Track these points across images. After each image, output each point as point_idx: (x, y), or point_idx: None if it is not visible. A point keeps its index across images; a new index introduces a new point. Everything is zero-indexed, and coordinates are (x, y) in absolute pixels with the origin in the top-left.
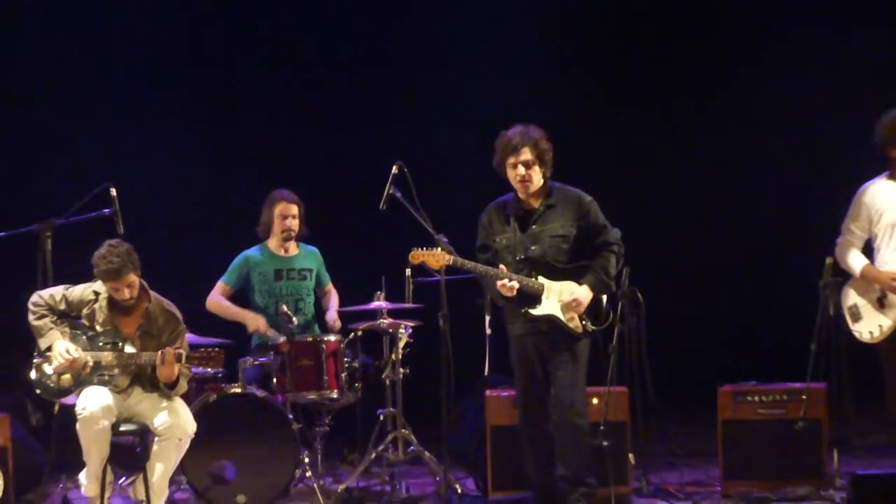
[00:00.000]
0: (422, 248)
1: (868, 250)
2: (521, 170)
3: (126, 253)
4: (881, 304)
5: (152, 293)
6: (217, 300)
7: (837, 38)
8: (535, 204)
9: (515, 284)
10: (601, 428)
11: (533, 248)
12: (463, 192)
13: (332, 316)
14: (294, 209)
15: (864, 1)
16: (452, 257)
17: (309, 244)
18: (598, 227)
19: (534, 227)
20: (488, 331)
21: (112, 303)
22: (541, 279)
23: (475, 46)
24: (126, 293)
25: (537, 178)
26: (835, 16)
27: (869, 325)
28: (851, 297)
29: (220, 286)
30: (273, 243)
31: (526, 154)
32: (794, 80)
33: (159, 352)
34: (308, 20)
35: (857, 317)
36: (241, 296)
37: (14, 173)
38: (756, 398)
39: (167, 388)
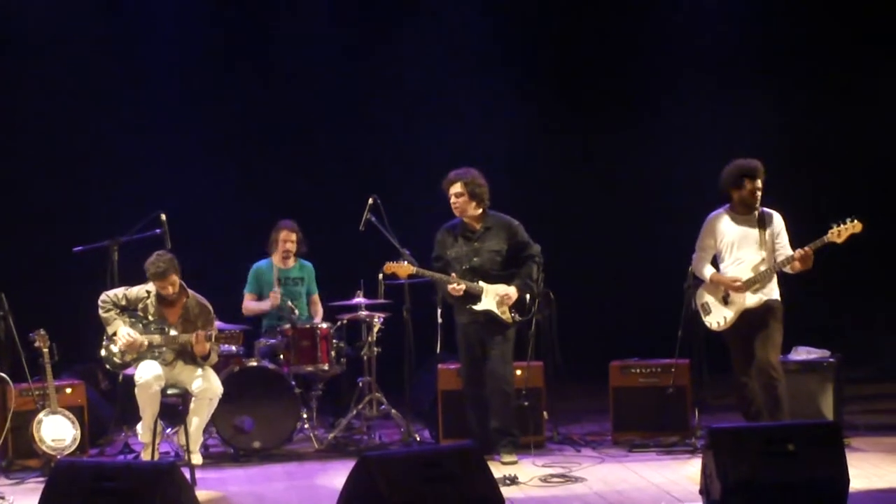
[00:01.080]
0: (393, 262)
1: (714, 262)
2: (453, 200)
3: (169, 260)
4: (725, 301)
5: (190, 291)
6: (248, 306)
7: (723, 93)
8: (477, 226)
9: (462, 287)
10: (523, 392)
11: (475, 259)
12: (421, 216)
13: (317, 322)
14: (293, 236)
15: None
16: (416, 268)
17: (306, 259)
18: (523, 244)
19: (476, 243)
20: (439, 320)
21: (160, 298)
22: (481, 283)
23: (438, 114)
24: (170, 290)
25: (468, 206)
26: (724, 73)
27: (717, 317)
28: (703, 297)
29: (247, 296)
30: (276, 258)
31: (457, 188)
32: (685, 125)
33: (194, 334)
34: (313, 87)
35: (707, 311)
36: (259, 298)
37: (87, 201)
38: (638, 370)
39: (202, 360)
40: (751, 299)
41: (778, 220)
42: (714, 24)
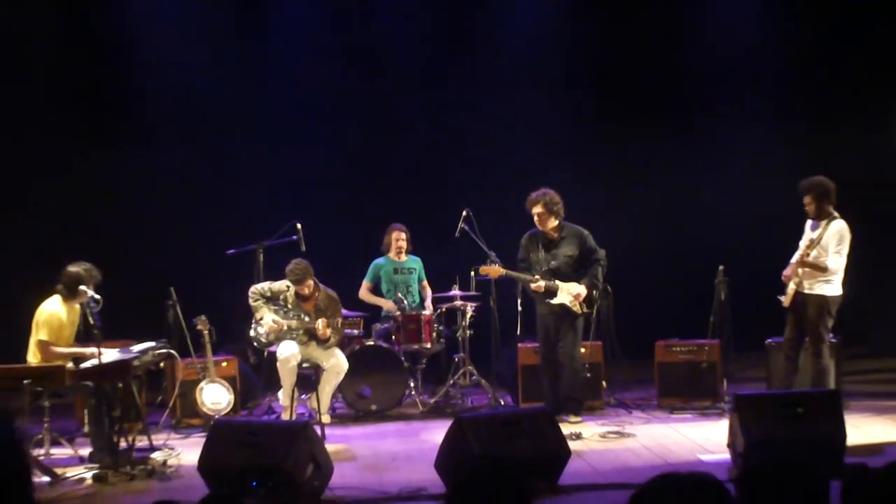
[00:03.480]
0: (485, 265)
1: None
2: (536, 217)
3: (305, 267)
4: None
5: (321, 285)
6: (364, 295)
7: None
8: (554, 235)
9: (542, 285)
10: (586, 366)
11: (553, 262)
12: (508, 223)
13: (427, 305)
14: (403, 235)
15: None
16: (505, 270)
17: (415, 255)
18: (591, 250)
19: (553, 249)
20: (519, 308)
21: (297, 292)
22: (557, 282)
23: (517, 136)
24: (306, 290)
25: (549, 220)
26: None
27: (783, 296)
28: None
29: (365, 284)
30: (391, 254)
31: (538, 208)
32: (734, 143)
33: (320, 320)
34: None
35: (784, 291)
36: (376, 287)
37: (239, 212)
38: (678, 348)
39: (323, 343)
40: (791, 287)
41: (832, 227)
42: (760, 53)
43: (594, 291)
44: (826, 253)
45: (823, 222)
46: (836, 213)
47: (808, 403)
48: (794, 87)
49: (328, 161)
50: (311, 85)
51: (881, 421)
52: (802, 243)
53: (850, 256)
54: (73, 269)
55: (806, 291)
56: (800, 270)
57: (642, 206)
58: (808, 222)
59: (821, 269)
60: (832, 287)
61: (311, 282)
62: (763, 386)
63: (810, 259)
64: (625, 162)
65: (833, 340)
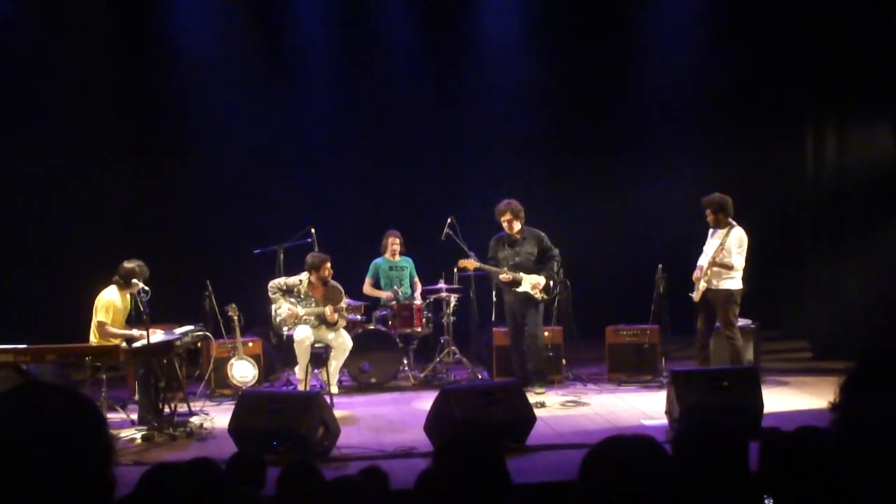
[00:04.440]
0: (463, 259)
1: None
2: (505, 223)
3: (323, 255)
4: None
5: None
6: (367, 290)
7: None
8: (518, 237)
9: (509, 276)
10: (548, 346)
11: (517, 258)
12: (482, 229)
13: (417, 296)
14: (397, 240)
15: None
16: (479, 263)
17: (407, 255)
18: (548, 248)
19: (517, 248)
20: (494, 299)
21: (309, 283)
22: (521, 274)
23: (494, 160)
24: (326, 273)
25: (515, 225)
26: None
27: (695, 293)
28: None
29: (367, 281)
30: (387, 255)
31: (507, 216)
32: (670, 163)
33: (328, 307)
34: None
35: (694, 289)
36: (376, 282)
37: (263, 218)
38: (625, 332)
39: (332, 325)
40: (702, 285)
41: (733, 233)
42: (684, 88)
43: (550, 282)
44: (730, 255)
45: (724, 230)
46: (734, 222)
47: (732, 378)
48: (718, 116)
49: (337, 179)
50: (326, 117)
51: (790, 392)
52: (706, 249)
53: (748, 258)
54: (128, 265)
55: (714, 288)
56: (709, 271)
57: (597, 215)
58: (710, 230)
59: (727, 268)
60: (735, 282)
61: (328, 265)
62: (694, 363)
63: (718, 260)
64: (583, 181)
65: (752, 326)
